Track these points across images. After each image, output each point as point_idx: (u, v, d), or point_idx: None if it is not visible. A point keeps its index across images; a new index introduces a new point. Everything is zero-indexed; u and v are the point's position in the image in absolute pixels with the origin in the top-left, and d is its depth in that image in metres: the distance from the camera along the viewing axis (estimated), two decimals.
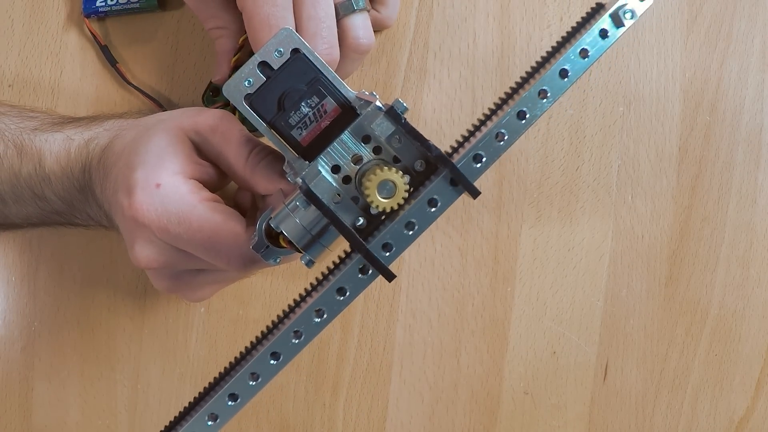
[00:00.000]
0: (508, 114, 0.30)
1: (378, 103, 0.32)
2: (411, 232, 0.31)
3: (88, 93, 0.50)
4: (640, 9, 0.31)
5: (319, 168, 0.32)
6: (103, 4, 0.49)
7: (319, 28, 0.40)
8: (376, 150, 0.32)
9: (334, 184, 0.32)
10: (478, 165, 0.31)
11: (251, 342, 0.33)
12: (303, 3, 0.40)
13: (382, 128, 0.31)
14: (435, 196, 0.31)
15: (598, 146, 0.51)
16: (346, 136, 0.32)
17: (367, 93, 0.33)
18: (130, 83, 0.49)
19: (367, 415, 0.51)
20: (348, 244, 0.31)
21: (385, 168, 0.31)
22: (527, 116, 0.31)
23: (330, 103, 0.33)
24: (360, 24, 0.43)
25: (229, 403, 0.32)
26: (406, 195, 0.31)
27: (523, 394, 0.52)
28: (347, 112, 0.33)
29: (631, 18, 0.31)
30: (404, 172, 0.31)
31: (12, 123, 0.44)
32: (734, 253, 0.52)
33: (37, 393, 0.51)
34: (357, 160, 0.32)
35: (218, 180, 0.41)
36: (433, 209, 0.31)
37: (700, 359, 0.52)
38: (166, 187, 0.37)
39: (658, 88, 0.51)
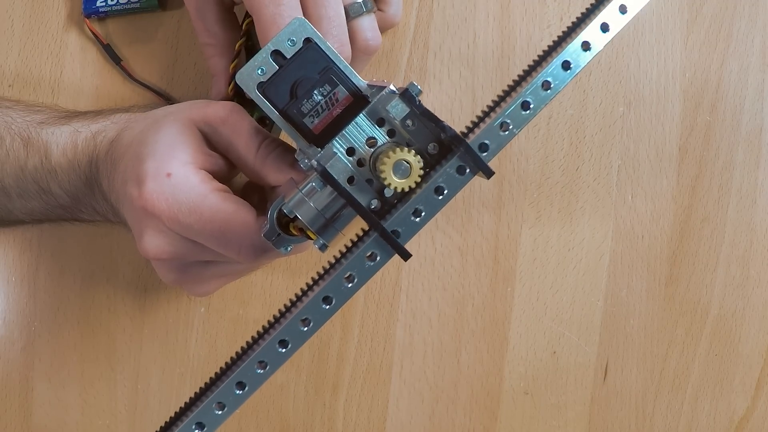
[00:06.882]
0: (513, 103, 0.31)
1: (392, 87, 0.32)
2: (418, 219, 0.31)
3: (89, 93, 0.50)
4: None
5: (335, 150, 0.32)
6: (104, 4, 0.49)
7: (330, 27, 0.40)
8: (390, 133, 0.33)
9: (350, 166, 0.33)
10: (485, 153, 0.31)
11: (257, 332, 0.33)
12: (314, 3, 0.40)
13: (397, 110, 0.32)
14: (443, 181, 0.31)
15: (598, 146, 0.51)
16: (361, 118, 0.32)
17: (376, 80, 0.34)
18: (135, 80, 0.49)
19: (367, 415, 0.51)
20: (354, 235, 0.32)
21: (401, 149, 0.31)
22: (531, 107, 0.31)
23: (342, 92, 0.34)
24: (369, 26, 0.43)
25: (237, 391, 0.31)
26: (421, 176, 0.31)
27: (523, 394, 0.52)
28: (359, 101, 0.34)
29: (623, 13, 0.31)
30: (419, 155, 0.32)
31: (18, 116, 0.44)
32: (734, 253, 0.52)
33: (37, 393, 0.51)
34: (371, 143, 0.33)
35: (227, 171, 0.41)
36: (442, 195, 0.31)
37: (700, 359, 0.52)
38: (177, 177, 0.37)
39: (658, 88, 0.51)
